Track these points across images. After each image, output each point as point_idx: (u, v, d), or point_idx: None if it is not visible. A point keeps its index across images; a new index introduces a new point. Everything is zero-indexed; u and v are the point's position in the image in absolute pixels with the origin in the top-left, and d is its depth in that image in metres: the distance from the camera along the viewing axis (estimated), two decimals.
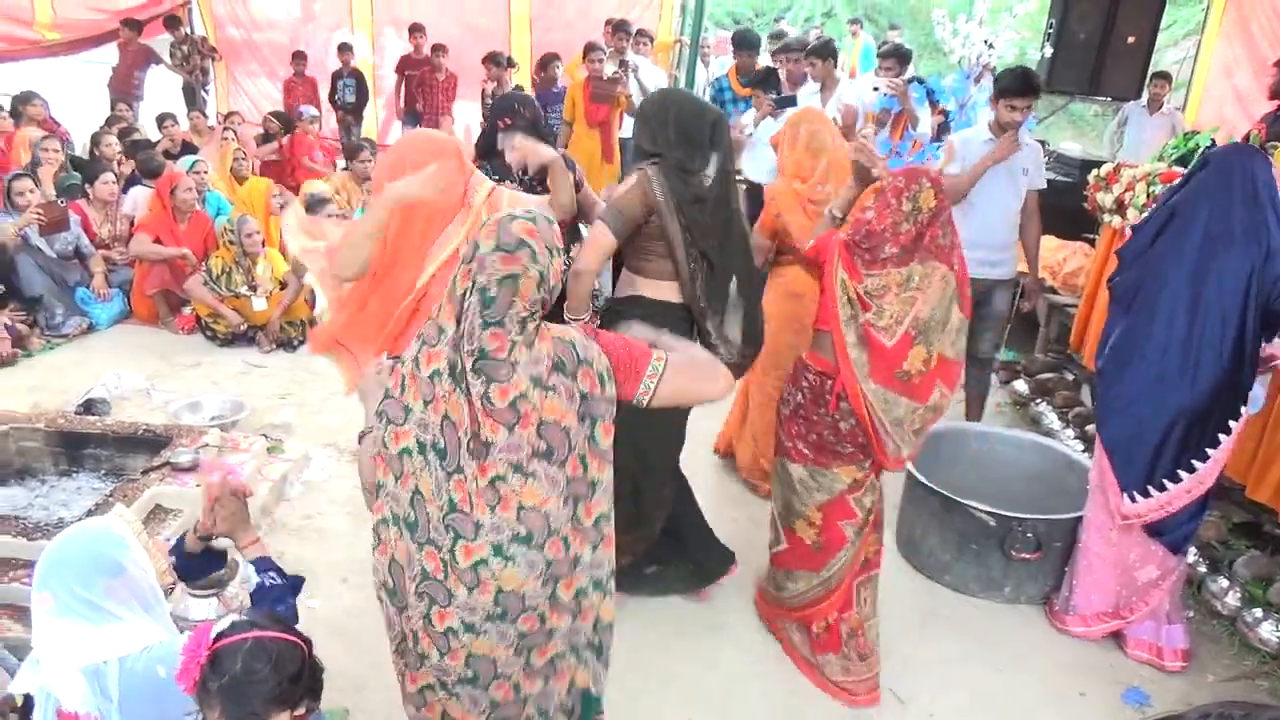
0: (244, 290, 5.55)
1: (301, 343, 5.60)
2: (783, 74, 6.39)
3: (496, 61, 8.48)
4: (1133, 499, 3.01)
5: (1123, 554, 3.14)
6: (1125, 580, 3.17)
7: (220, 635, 1.72)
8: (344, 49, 9.86)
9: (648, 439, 2.86)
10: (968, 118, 5.82)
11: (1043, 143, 7.22)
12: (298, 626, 1.88)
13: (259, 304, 5.54)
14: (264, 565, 2.14)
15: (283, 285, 5.66)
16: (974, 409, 4.56)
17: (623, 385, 1.83)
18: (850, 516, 2.86)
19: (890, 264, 2.69)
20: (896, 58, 6.23)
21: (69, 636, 1.80)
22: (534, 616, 1.84)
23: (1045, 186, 4.36)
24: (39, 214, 5.40)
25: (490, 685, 1.88)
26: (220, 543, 2.28)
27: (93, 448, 3.83)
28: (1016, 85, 4.09)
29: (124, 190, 6.32)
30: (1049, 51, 7.33)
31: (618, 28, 7.89)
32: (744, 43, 7.02)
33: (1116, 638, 3.25)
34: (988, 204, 4.19)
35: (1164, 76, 8.15)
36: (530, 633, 1.85)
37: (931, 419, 2.76)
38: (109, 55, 10.05)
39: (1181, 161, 4.38)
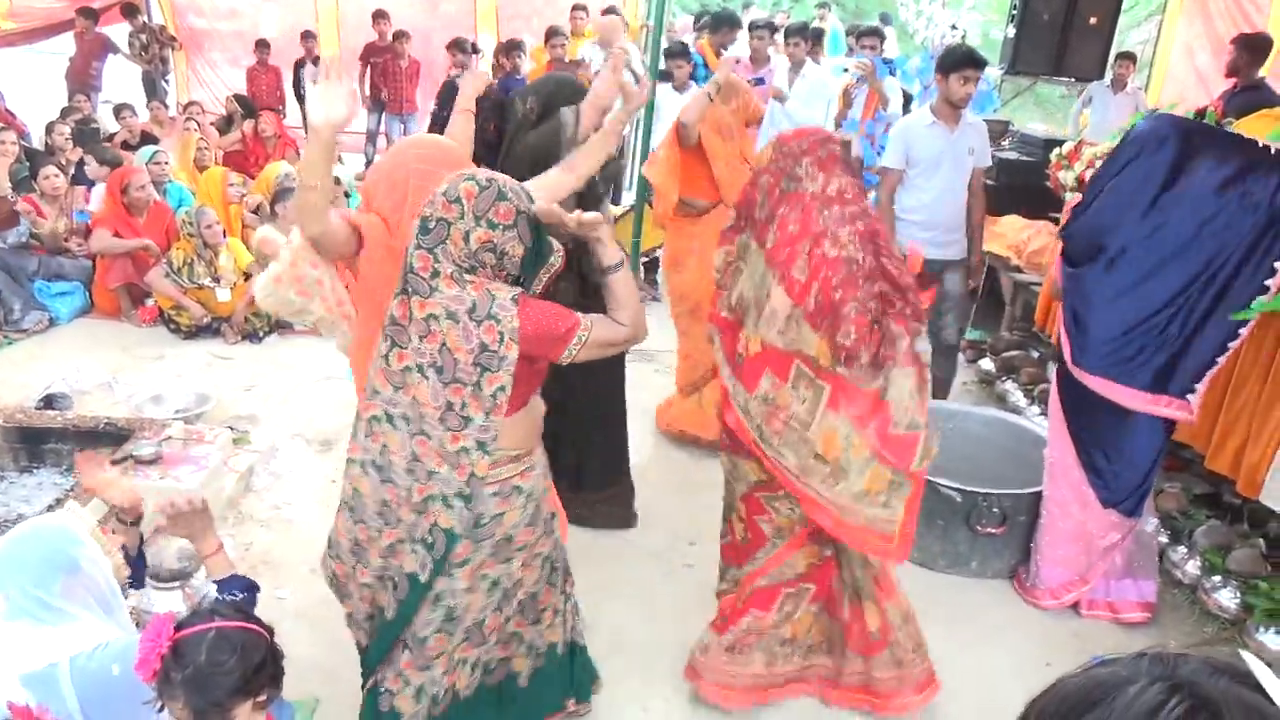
0: (207, 282, 5.48)
1: (267, 334, 5.54)
2: (748, 52, 6.43)
3: (461, 48, 8.41)
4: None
5: (1084, 527, 3.20)
6: (1087, 550, 3.24)
7: (182, 625, 1.70)
8: (307, 36, 9.74)
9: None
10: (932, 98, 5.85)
11: (1007, 123, 7.30)
12: (259, 615, 1.87)
13: (223, 295, 5.48)
14: (228, 586, 2.10)
15: (247, 276, 5.59)
16: (938, 393, 4.60)
17: (548, 350, 2.08)
18: (763, 514, 2.60)
19: (735, 233, 2.54)
20: (877, 35, 6.27)
21: (17, 642, 1.75)
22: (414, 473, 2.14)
23: (990, 164, 4.42)
24: None
25: (384, 484, 2.16)
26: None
27: (54, 442, 3.77)
28: (967, 57, 4.17)
29: (75, 182, 6.20)
30: (1012, 32, 7.38)
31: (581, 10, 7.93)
32: (728, 20, 7.11)
33: (1075, 607, 3.32)
34: (937, 185, 4.24)
35: (1128, 56, 8.24)
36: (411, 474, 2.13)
37: (769, 414, 2.42)
38: (66, 45, 9.85)
39: None
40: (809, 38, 6.28)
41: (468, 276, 2.04)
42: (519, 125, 3.22)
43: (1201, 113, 3.55)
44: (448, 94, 3.32)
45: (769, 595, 2.66)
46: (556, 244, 2.18)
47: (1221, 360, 2.98)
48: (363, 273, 2.46)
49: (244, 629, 1.73)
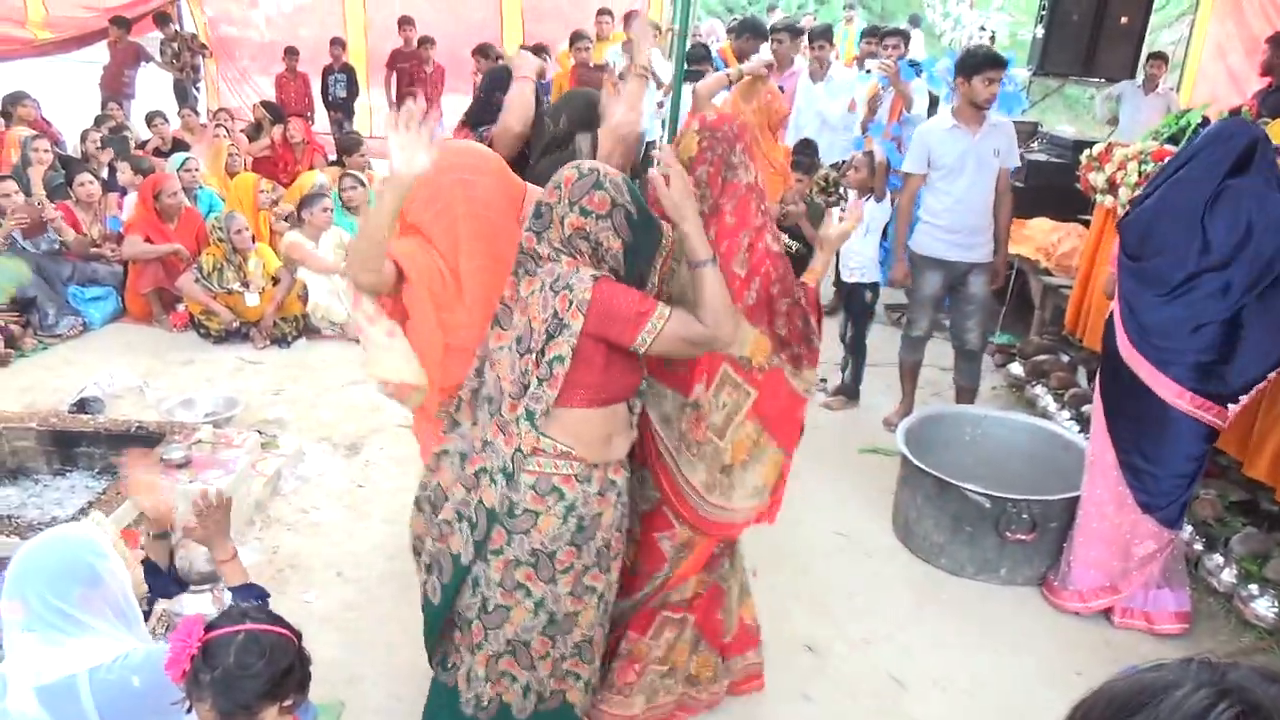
0: (236, 286, 5.53)
1: (296, 338, 5.59)
2: (772, 56, 6.41)
3: (485, 54, 8.45)
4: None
5: (1119, 530, 3.16)
6: (1122, 555, 3.19)
7: (212, 626, 1.71)
8: (335, 44, 9.84)
9: None
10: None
11: (1036, 124, 7.22)
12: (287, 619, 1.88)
13: (252, 300, 5.53)
14: (242, 594, 2.12)
15: (275, 281, 5.64)
16: (963, 400, 4.55)
17: (619, 332, 2.02)
18: (668, 529, 2.40)
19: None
20: (901, 36, 6.21)
21: (31, 653, 1.75)
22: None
23: (1019, 166, 4.36)
24: (21, 219, 5.43)
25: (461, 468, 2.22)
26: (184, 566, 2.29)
27: (86, 446, 3.82)
28: (989, 58, 4.12)
29: (107, 189, 6.29)
30: (1041, 33, 7.31)
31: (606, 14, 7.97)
32: (752, 28, 7.08)
33: (1107, 614, 3.26)
34: (960, 188, 4.20)
35: (1160, 57, 8.13)
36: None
37: (694, 421, 2.30)
38: (100, 54, 10.02)
39: (1173, 140, 4.36)
40: (833, 41, 6.27)
41: (563, 256, 2.06)
42: (548, 142, 3.09)
43: (1236, 111, 3.50)
44: (490, 82, 3.37)
45: (646, 618, 2.51)
46: (668, 229, 2.17)
47: (1272, 375, 2.93)
48: (408, 299, 2.37)
49: (273, 632, 1.74)
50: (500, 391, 2.11)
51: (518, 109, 3.02)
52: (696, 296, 2.06)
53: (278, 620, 1.81)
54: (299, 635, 1.82)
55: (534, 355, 2.03)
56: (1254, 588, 3.27)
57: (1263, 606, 3.21)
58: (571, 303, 1.98)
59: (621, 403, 2.16)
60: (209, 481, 3.47)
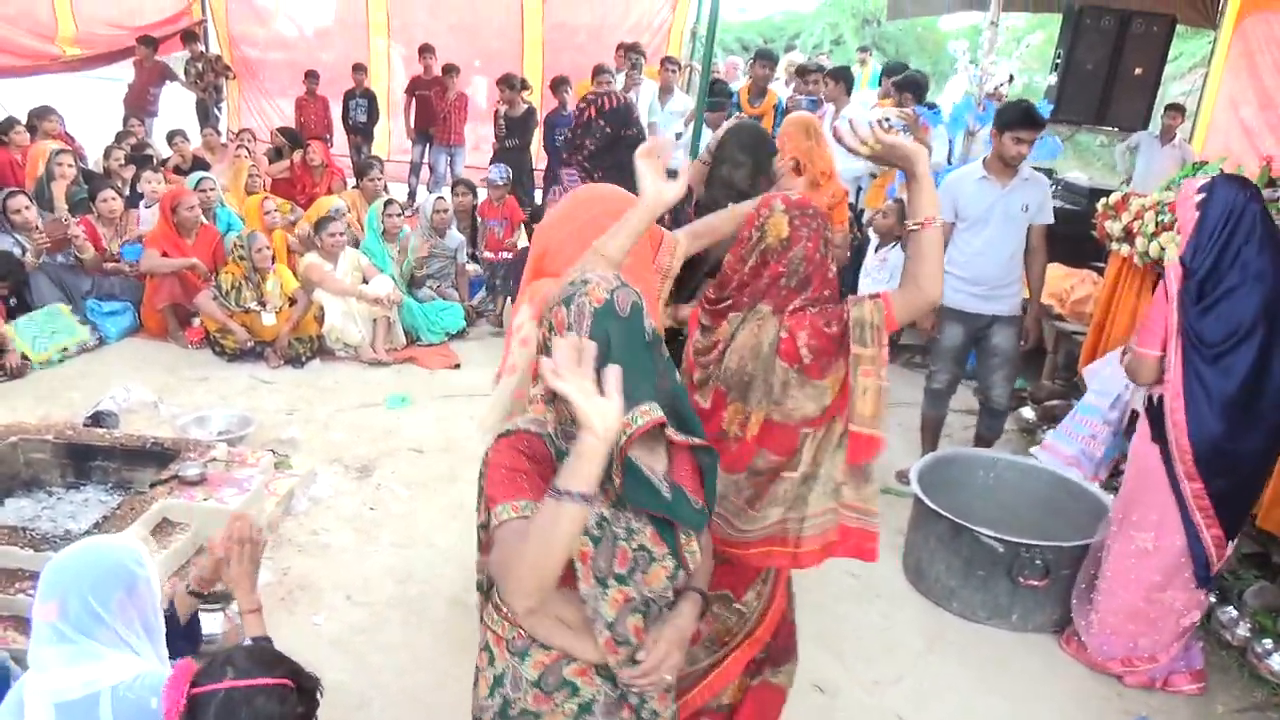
0: (253, 306, 5.57)
1: (310, 359, 5.61)
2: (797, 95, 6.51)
3: (510, 84, 8.55)
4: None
5: (1159, 600, 3.10)
6: (1168, 627, 3.13)
7: (197, 680, 1.68)
8: (358, 69, 9.96)
9: None
10: (968, 149, 5.83)
11: (1050, 171, 7.27)
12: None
13: (268, 319, 5.57)
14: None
15: (292, 301, 5.68)
16: (980, 447, 4.53)
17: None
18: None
19: (731, 311, 2.21)
20: (913, 89, 6.22)
21: (57, 668, 1.74)
22: None
23: (1052, 221, 4.24)
24: (47, 241, 5.57)
25: None
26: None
27: (100, 460, 3.82)
28: (1021, 117, 4.00)
29: (129, 205, 6.37)
30: (1054, 80, 7.39)
31: (630, 50, 8.05)
32: (762, 54, 7.19)
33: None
34: (983, 240, 4.14)
35: (1178, 108, 8.20)
36: None
37: (763, 483, 2.19)
38: (124, 72, 10.16)
39: None
40: (839, 79, 6.37)
41: None
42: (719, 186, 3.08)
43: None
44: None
45: None
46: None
47: None
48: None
49: (257, 685, 1.69)
50: None
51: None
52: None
53: (270, 663, 1.75)
54: (297, 673, 1.76)
55: None
56: (1268, 643, 3.25)
57: (1277, 662, 3.19)
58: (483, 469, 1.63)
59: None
60: (224, 500, 3.48)
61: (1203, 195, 2.92)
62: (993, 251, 4.16)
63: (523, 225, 6.97)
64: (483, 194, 7.31)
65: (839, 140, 2.27)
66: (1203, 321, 2.87)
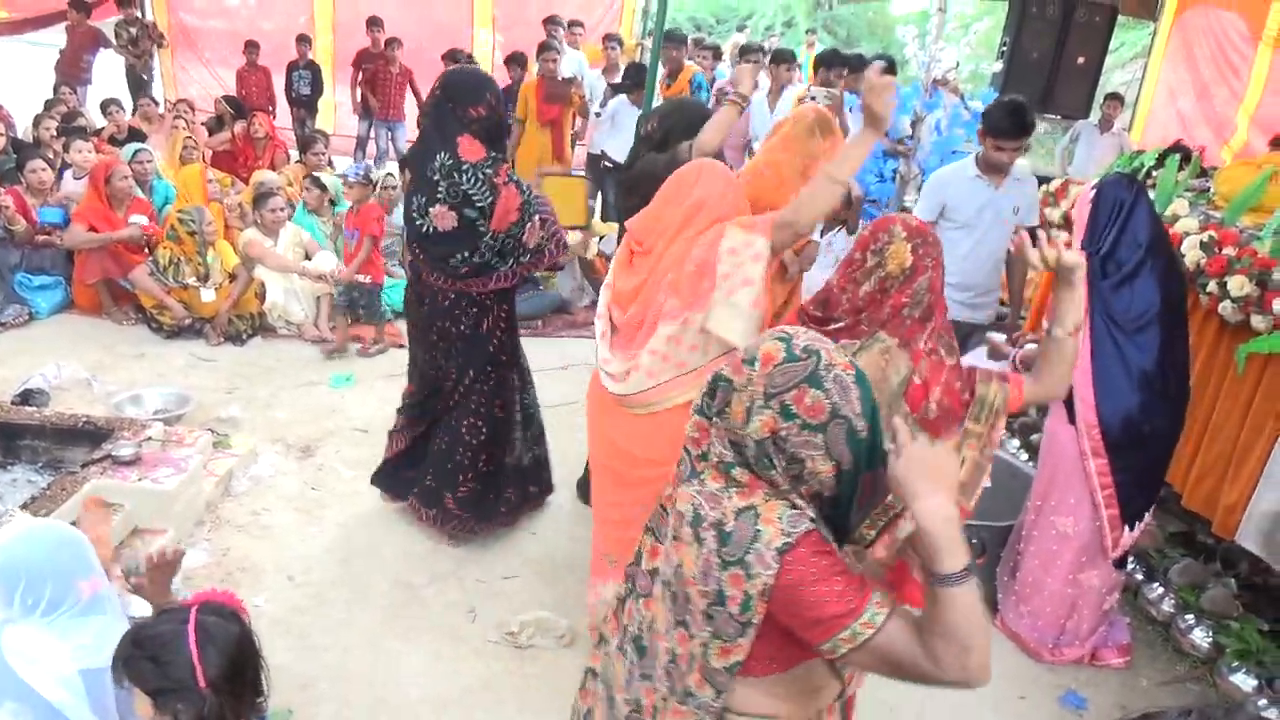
0: (192, 282, 5.43)
1: (251, 336, 5.50)
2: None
3: (455, 59, 8.42)
4: (1132, 528, 3.09)
5: (1081, 583, 3.19)
6: (1089, 611, 3.21)
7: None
8: (301, 40, 9.71)
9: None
10: (927, 137, 5.85)
11: None
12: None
13: (208, 296, 5.42)
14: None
15: (232, 278, 5.55)
16: None
17: (807, 628, 1.45)
18: None
19: (844, 336, 2.13)
20: (837, 63, 6.21)
21: (68, 637, 1.77)
22: None
23: (1037, 223, 4.08)
24: None
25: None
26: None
27: (30, 439, 3.71)
28: (1008, 125, 3.76)
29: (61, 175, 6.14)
30: (1000, 68, 7.51)
31: (548, 21, 8.12)
32: (670, 36, 7.21)
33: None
34: (971, 242, 3.99)
35: (1117, 98, 8.39)
36: None
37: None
38: (57, 37, 9.77)
39: None
40: (795, 64, 6.39)
41: (737, 473, 1.43)
42: (640, 142, 3.34)
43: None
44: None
45: None
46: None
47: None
48: None
49: (217, 614, 1.75)
50: (652, 647, 1.55)
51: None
52: (934, 620, 1.35)
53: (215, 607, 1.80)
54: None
55: (695, 642, 1.47)
56: (1190, 618, 3.37)
57: (1198, 637, 3.32)
58: (748, 596, 1.38)
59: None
60: (159, 480, 3.41)
61: (1094, 192, 3.09)
62: (979, 254, 4.00)
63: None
64: None
65: (1019, 255, 2.27)
66: (1116, 296, 2.99)
